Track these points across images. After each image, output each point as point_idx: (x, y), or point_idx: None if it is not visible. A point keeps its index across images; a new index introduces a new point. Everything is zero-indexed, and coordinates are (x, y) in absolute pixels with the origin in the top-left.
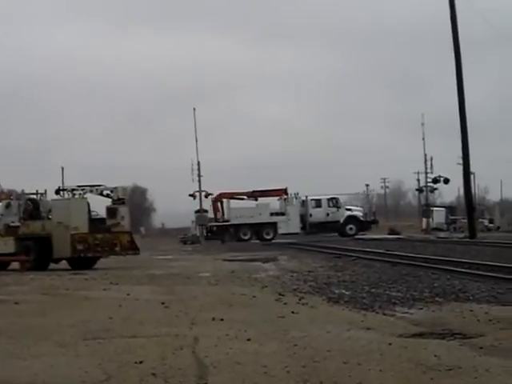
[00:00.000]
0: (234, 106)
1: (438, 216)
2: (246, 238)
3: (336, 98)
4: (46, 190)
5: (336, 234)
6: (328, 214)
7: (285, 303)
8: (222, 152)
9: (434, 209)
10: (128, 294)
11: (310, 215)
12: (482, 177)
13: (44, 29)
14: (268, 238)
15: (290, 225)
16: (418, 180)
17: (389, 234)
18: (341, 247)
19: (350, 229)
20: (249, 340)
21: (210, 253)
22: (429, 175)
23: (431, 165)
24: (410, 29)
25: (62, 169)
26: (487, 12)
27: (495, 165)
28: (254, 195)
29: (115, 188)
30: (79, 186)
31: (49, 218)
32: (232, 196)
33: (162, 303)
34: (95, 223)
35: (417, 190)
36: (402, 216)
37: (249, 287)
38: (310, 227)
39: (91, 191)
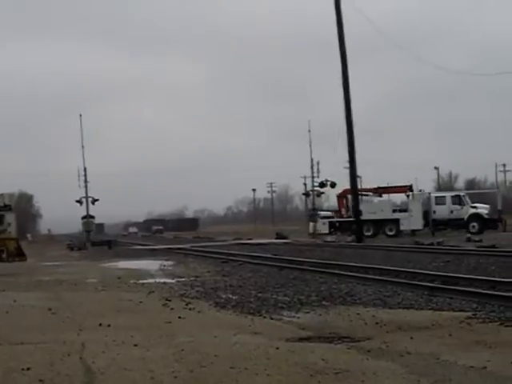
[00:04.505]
0: (115, 113)
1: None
2: (369, 233)
3: (220, 105)
4: None
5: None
6: (452, 212)
7: (172, 308)
8: (107, 158)
9: (321, 213)
10: (15, 301)
11: (434, 212)
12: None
13: None
14: (390, 234)
15: (413, 221)
16: (305, 184)
17: (276, 239)
18: (227, 252)
19: (473, 227)
20: (136, 345)
21: (97, 259)
22: (316, 179)
23: (318, 169)
24: (298, 37)
25: None
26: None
27: (379, 169)
28: (378, 191)
29: (1, 195)
30: None
31: None
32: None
33: (49, 309)
34: None
35: (303, 194)
36: (288, 220)
37: (135, 293)
38: (432, 224)
39: None
